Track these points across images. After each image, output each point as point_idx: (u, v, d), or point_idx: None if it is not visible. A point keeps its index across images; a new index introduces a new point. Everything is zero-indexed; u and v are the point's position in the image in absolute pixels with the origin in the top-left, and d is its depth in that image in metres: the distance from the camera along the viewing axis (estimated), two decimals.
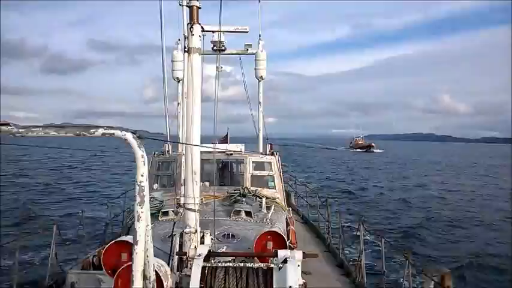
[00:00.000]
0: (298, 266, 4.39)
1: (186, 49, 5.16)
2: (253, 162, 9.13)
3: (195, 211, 5.09)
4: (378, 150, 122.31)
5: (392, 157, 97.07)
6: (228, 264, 4.46)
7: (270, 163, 9.21)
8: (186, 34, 5.20)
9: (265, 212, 7.61)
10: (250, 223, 6.97)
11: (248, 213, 7.22)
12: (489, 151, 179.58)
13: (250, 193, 8.13)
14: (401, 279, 7.11)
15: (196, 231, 5.09)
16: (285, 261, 4.38)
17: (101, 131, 2.68)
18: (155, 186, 8.92)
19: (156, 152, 9.26)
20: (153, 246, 5.96)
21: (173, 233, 5.14)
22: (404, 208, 26.20)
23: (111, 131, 2.67)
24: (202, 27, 5.26)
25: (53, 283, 6.91)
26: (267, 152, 9.64)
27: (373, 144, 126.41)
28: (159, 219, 7.08)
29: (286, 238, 7.31)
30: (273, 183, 9.04)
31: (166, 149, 9.35)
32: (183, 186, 5.21)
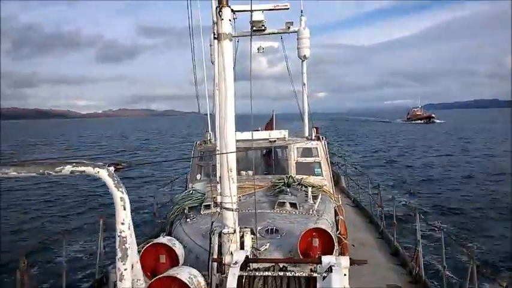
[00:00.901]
0: (345, 274, 3.93)
1: (215, 35, 4.71)
2: (297, 148, 8.63)
3: (232, 210, 4.77)
4: (439, 121, 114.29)
5: (456, 128, 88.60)
6: (266, 273, 4.12)
7: (316, 149, 8.66)
8: (215, 19, 4.74)
9: (312, 202, 7.16)
10: (296, 215, 6.57)
11: (293, 205, 6.82)
12: None
13: (295, 182, 7.69)
14: (463, 280, 6.38)
15: (235, 231, 4.78)
16: (330, 269, 3.94)
17: (68, 168, 2.20)
18: (198, 176, 8.77)
19: (198, 141, 9.07)
20: (195, 243, 5.83)
21: (211, 233, 4.88)
22: (473, 190, 22.65)
23: (82, 168, 2.19)
24: (232, 10, 4.76)
25: (102, 276, 7.07)
26: (313, 137, 9.06)
27: (433, 114, 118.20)
28: (202, 212, 6.92)
29: (334, 231, 6.86)
30: (319, 169, 8.52)
31: (208, 138, 9.11)
32: (219, 184, 4.89)
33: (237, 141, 9.23)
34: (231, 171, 4.79)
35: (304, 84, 9.63)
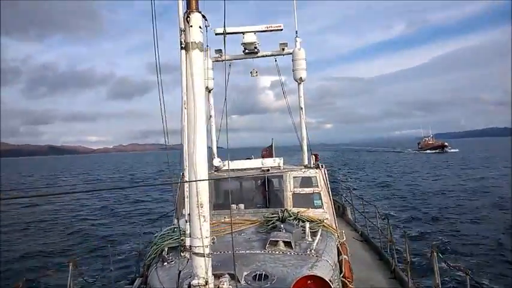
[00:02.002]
0: None
1: (182, 45, 3.98)
2: (294, 178, 7.72)
3: (204, 256, 3.84)
4: (453, 150, 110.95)
5: (472, 157, 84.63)
6: None
7: (315, 177, 7.73)
8: (182, 26, 4.03)
9: (310, 239, 6.17)
10: (290, 257, 5.58)
11: (288, 244, 5.83)
12: None
13: (291, 216, 6.73)
14: None
15: (207, 282, 3.83)
16: None
17: None
18: (184, 211, 7.86)
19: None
20: None
21: (178, 285, 3.95)
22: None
23: None
24: (203, 16, 4.06)
25: None
26: (312, 165, 8.14)
27: (446, 143, 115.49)
28: (181, 254, 5.96)
29: (337, 274, 5.82)
30: (319, 201, 7.55)
31: None
32: (187, 224, 3.99)
33: (224, 170, 8.43)
34: (201, 206, 3.91)
35: (302, 108, 8.83)
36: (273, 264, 5.30)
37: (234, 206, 7.61)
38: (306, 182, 7.81)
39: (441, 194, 31.57)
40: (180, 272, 4.13)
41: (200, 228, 3.87)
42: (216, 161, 7.95)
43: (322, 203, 7.54)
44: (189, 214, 4.02)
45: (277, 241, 5.86)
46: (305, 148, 8.84)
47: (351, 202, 14.90)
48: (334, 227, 7.41)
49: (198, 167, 3.88)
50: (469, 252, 15.07)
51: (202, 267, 3.85)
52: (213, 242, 6.38)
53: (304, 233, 6.28)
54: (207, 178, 4.00)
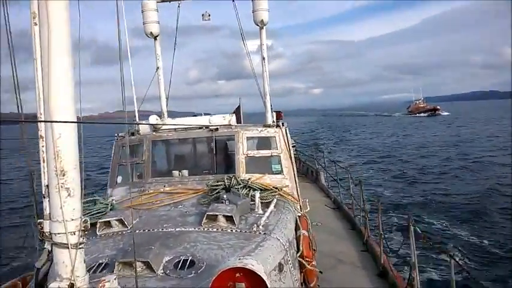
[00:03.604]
0: None
1: None
2: (249, 139, 6.44)
3: (68, 248, 2.60)
4: (445, 113, 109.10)
5: (467, 120, 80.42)
6: None
7: (273, 138, 6.46)
8: None
9: (261, 212, 5.00)
10: (231, 235, 4.40)
11: (229, 219, 4.64)
12: None
13: (239, 184, 5.51)
14: None
15: (72, 286, 2.61)
16: None
17: None
18: (119, 179, 6.59)
19: (121, 134, 6.85)
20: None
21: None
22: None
23: None
24: None
25: None
26: (272, 123, 6.80)
27: (438, 107, 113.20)
28: (98, 233, 4.74)
29: (292, 253, 4.70)
30: (278, 166, 6.32)
31: (136, 128, 6.89)
32: (46, 199, 2.72)
33: (162, 129, 7.12)
34: (63, 174, 2.60)
35: (264, 58, 7.27)
36: (206, 246, 4.12)
37: (176, 172, 6.37)
38: (264, 143, 6.55)
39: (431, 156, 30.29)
40: (37, 269, 2.89)
41: (61, 208, 2.59)
42: (153, 118, 6.59)
43: (281, 168, 6.32)
44: (47, 186, 2.72)
45: (216, 215, 4.66)
46: (268, 106, 7.37)
47: (323, 166, 13.84)
48: (296, 197, 6.24)
49: (55, 112, 2.53)
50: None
51: (66, 263, 2.61)
52: (140, 217, 5.19)
53: (254, 204, 5.10)
54: (76, 134, 2.66)
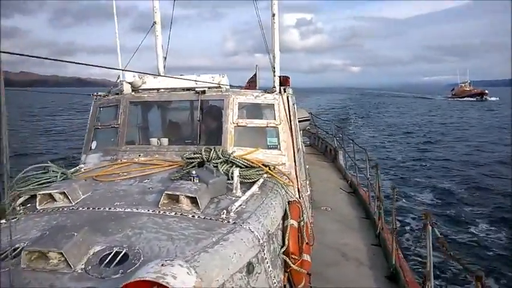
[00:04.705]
0: None
1: None
2: (240, 104, 5.35)
3: None
4: (493, 98, 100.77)
5: None
6: None
7: (271, 106, 5.34)
8: None
9: (239, 194, 4.00)
10: (190, 222, 3.42)
11: (193, 200, 3.66)
12: None
13: (219, 158, 4.51)
14: None
15: None
16: None
17: None
18: (94, 144, 5.77)
19: (101, 93, 5.97)
20: None
21: None
22: None
23: None
24: None
25: None
26: (275, 89, 5.62)
27: (486, 91, 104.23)
28: (38, 207, 3.93)
29: (275, 248, 3.73)
30: (275, 139, 5.23)
31: (120, 88, 5.97)
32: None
33: (144, 90, 6.19)
34: None
35: (274, 15, 5.91)
36: (153, 235, 3.15)
37: (154, 140, 5.45)
38: (257, 111, 5.45)
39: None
40: None
41: None
42: (130, 76, 5.62)
43: (278, 142, 5.23)
44: None
45: (177, 196, 3.70)
46: (277, 69, 6.10)
47: (341, 144, 12.58)
48: (294, 177, 5.15)
49: None
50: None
51: None
52: (95, 190, 4.34)
53: (232, 184, 4.10)
54: None
